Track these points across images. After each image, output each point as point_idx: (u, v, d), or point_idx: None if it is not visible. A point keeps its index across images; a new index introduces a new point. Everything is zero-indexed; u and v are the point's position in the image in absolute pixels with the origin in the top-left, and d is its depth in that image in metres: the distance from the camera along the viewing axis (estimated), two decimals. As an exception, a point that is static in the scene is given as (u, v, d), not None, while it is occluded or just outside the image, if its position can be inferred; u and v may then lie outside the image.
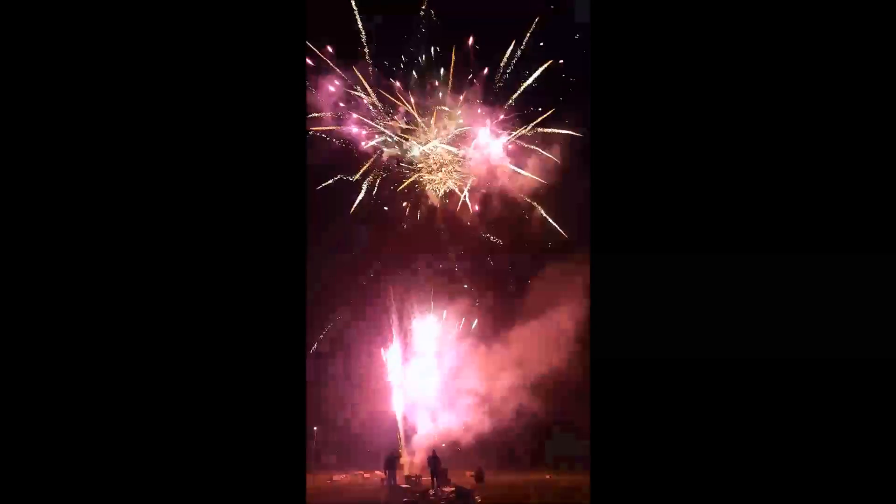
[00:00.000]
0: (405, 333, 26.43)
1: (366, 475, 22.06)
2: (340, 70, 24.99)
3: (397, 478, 19.67)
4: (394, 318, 26.29)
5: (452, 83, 25.25)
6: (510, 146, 26.10)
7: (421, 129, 26.23)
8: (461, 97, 25.59)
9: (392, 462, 19.51)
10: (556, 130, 25.44)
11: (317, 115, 25.05)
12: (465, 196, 26.41)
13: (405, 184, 26.54)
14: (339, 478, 21.84)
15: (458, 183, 26.64)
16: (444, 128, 26.18)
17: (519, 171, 25.94)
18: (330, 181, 25.73)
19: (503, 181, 26.19)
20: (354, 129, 25.77)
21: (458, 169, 26.62)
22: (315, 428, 25.47)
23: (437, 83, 25.38)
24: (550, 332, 23.03)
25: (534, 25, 24.67)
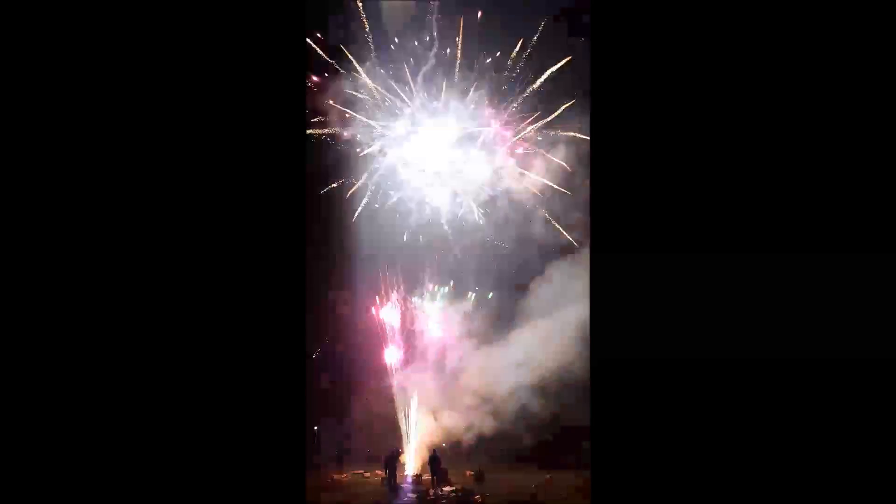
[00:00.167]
0: (407, 333, 26.48)
1: (366, 475, 22.04)
2: (344, 71, 25.01)
3: (397, 477, 19.68)
4: (395, 317, 26.34)
5: (459, 82, 25.26)
6: (518, 149, 26.10)
7: (426, 131, 26.23)
8: (467, 98, 25.59)
9: (392, 462, 19.55)
10: (563, 132, 25.43)
11: (321, 118, 25.08)
12: (469, 197, 26.42)
13: (407, 185, 26.56)
14: (339, 477, 21.82)
15: (463, 185, 26.64)
16: (450, 129, 26.17)
17: (524, 172, 25.95)
18: (333, 184, 25.76)
19: (508, 182, 26.20)
20: (358, 135, 25.79)
21: (463, 171, 26.61)
22: (315, 427, 25.46)
23: (443, 84, 25.39)
24: (554, 333, 23.04)
25: (542, 26, 24.64)
